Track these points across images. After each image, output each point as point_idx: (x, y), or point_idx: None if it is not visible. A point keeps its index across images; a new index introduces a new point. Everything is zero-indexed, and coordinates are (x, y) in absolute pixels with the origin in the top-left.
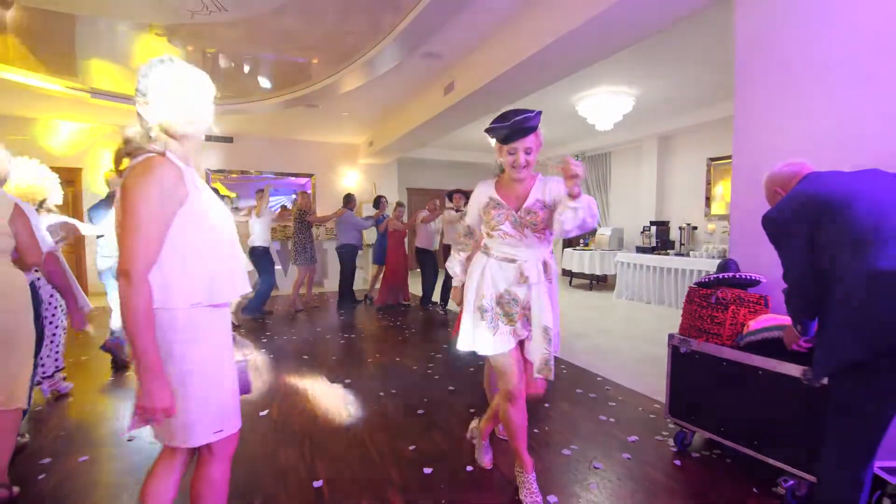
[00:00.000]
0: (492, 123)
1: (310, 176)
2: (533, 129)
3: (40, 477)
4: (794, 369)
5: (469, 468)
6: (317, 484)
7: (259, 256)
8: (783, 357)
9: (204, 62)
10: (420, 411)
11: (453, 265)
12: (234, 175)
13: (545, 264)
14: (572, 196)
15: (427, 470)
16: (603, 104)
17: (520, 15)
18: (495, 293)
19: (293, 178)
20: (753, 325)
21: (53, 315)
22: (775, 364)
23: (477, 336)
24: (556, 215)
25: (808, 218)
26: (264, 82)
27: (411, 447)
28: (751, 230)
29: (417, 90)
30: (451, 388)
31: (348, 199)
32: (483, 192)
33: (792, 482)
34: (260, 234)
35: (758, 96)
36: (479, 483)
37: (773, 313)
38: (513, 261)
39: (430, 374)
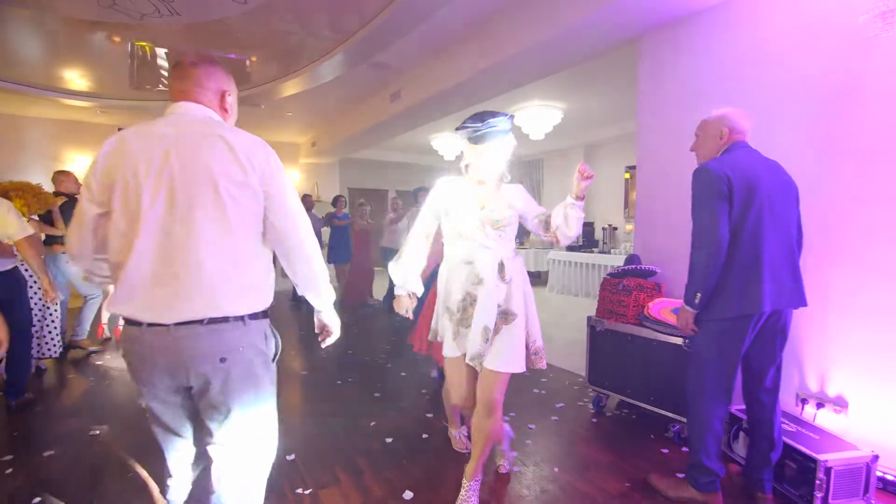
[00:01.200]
0: (466, 122)
1: None
2: (506, 132)
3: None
4: (678, 339)
5: (425, 435)
6: (290, 458)
7: None
8: (671, 330)
9: (131, 54)
10: (377, 394)
11: (401, 272)
12: None
13: (501, 265)
14: (579, 198)
15: (388, 440)
16: (536, 116)
17: (466, 37)
18: (460, 296)
19: None
20: (652, 306)
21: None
22: (666, 337)
23: (448, 340)
24: (560, 219)
25: (739, 189)
26: None
27: (371, 423)
28: (650, 228)
29: (364, 95)
30: (402, 373)
31: (304, 199)
32: (445, 191)
33: (678, 427)
34: None
35: (655, 116)
36: (434, 448)
37: (665, 297)
38: (469, 262)
39: (383, 363)
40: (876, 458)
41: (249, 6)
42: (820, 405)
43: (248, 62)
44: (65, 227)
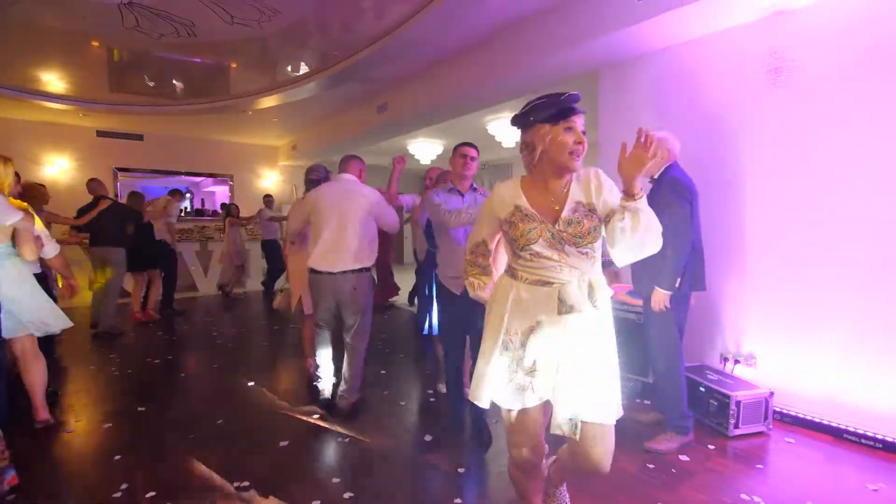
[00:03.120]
0: (532, 105)
1: (228, 177)
2: (583, 112)
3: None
4: (633, 315)
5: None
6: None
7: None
8: (628, 307)
9: (108, 58)
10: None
11: (483, 296)
12: (146, 174)
13: (590, 286)
14: (631, 195)
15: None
16: (508, 126)
17: (451, 62)
18: (523, 328)
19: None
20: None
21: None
22: (624, 314)
23: (492, 381)
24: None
25: (694, 196)
26: (179, 83)
27: (315, 416)
28: None
29: (350, 105)
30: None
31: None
32: (506, 198)
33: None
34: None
35: (613, 139)
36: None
37: (621, 283)
38: (548, 283)
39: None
40: (772, 394)
41: (259, 28)
42: (737, 361)
43: (229, 70)
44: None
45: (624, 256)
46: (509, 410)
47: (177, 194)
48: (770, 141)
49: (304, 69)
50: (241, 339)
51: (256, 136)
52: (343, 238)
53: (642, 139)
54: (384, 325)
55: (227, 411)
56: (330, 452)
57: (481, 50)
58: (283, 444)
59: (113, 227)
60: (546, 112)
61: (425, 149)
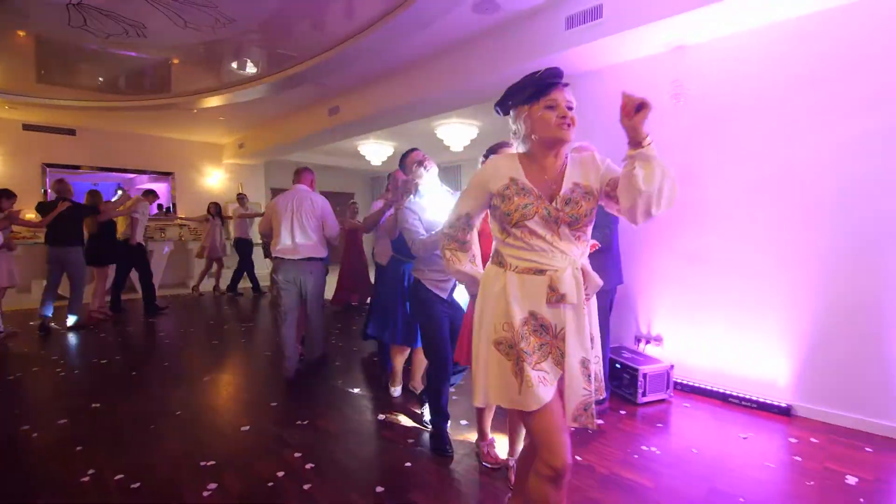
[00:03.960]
0: (508, 90)
1: (168, 174)
2: (565, 83)
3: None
4: None
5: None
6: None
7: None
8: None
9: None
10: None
11: (463, 269)
12: (76, 170)
13: (584, 273)
14: (638, 142)
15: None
16: (455, 131)
17: (402, 70)
18: (520, 320)
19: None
20: None
21: None
22: None
23: (501, 383)
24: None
25: None
26: (109, 78)
27: (273, 403)
28: None
29: (302, 106)
30: (267, 352)
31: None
32: (501, 169)
33: None
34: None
35: None
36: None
37: None
38: (541, 272)
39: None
40: (672, 367)
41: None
42: (647, 341)
43: (171, 66)
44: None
45: (642, 211)
46: (533, 413)
47: (150, 195)
48: (671, 155)
49: (251, 69)
50: (192, 338)
51: (200, 134)
52: (300, 234)
53: (624, 106)
54: (339, 321)
55: (185, 404)
56: (290, 434)
57: (431, 62)
58: (245, 428)
59: (71, 228)
60: (523, 94)
61: (376, 150)
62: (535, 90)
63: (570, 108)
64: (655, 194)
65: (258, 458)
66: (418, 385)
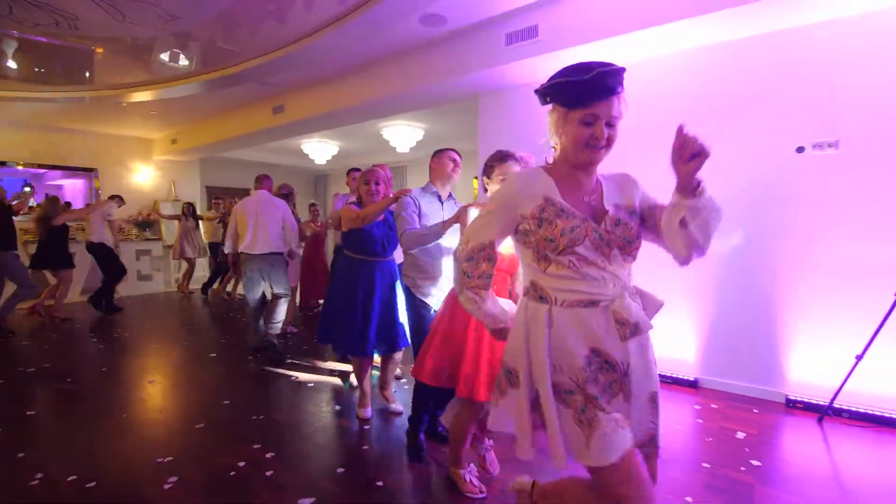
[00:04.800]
0: (559, 77)
1: (91, 171)
2: (620, 90)
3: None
4: None
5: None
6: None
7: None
8: None
9: None
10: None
11: (490, 309)
12: None
13: (641, 295)
14: (690, 191)
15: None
16: (401, 133)
17: (351, 72)
18: (576, 362)
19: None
20: None
21: None
22: None
23: (570, 440)
24: (668, 230)
25: None
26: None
27: (226, 401)
28: None
29: (242, 104)
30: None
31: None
32: (533, 187)
33: None
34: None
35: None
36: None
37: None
38: (594, 303)
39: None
40: None
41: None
42: None
43: (94, 55)
44: None
45: (696, 255)
46: (611, 466)
47: (116, 198)
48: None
49: (184, 62)
50: (137, 340)
51: (128, 128)
52: (261, 233)
53: (685, 139)
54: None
55: (130, 406)
56: (247, 428)
57: (380, 66)
58: (199, 426)
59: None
60: (563, 95)
61: (320, 149)
62: (574, 95)
63: (611, 125)
64: (710, 240)
65: (217, 451)
66: (390, 397)
